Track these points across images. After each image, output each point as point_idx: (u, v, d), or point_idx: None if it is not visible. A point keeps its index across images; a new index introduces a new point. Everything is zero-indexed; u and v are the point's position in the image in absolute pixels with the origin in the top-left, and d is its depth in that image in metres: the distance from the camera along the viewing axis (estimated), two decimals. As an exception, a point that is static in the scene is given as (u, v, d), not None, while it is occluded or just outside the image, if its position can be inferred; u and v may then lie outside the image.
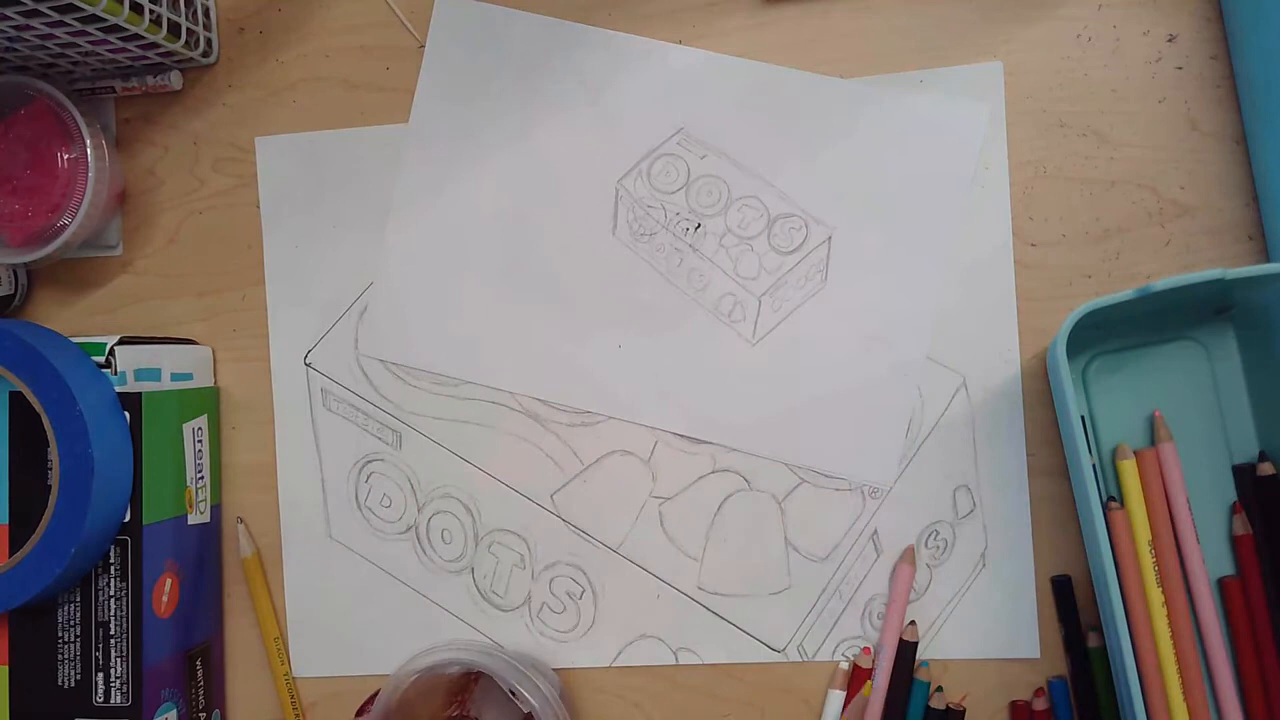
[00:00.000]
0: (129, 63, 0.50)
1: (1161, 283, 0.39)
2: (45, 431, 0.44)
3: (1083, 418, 0.43)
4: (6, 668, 0.47)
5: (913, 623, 0.47)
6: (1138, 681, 0.40)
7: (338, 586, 0.52)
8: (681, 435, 0.49)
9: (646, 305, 0.49)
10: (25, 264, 0.50)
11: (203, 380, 0.51)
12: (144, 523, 0.46)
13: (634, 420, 0.49)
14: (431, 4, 0.51)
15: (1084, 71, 0.48)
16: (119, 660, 0.46)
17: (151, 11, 0.46)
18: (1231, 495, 0.45)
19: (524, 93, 0.50)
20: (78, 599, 0.46)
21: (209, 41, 0.52)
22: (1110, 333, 0.45)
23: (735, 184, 0.49)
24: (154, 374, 0.48)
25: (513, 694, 0.45)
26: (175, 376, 0.50)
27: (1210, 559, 0.45)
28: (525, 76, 0.50)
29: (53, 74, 0.50)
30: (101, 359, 0.47)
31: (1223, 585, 0.45)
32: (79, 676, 0.46)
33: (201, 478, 0.50)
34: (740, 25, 0.49)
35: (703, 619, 0.49)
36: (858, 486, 0.48)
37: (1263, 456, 0.44)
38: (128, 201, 0.53)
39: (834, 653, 0.48)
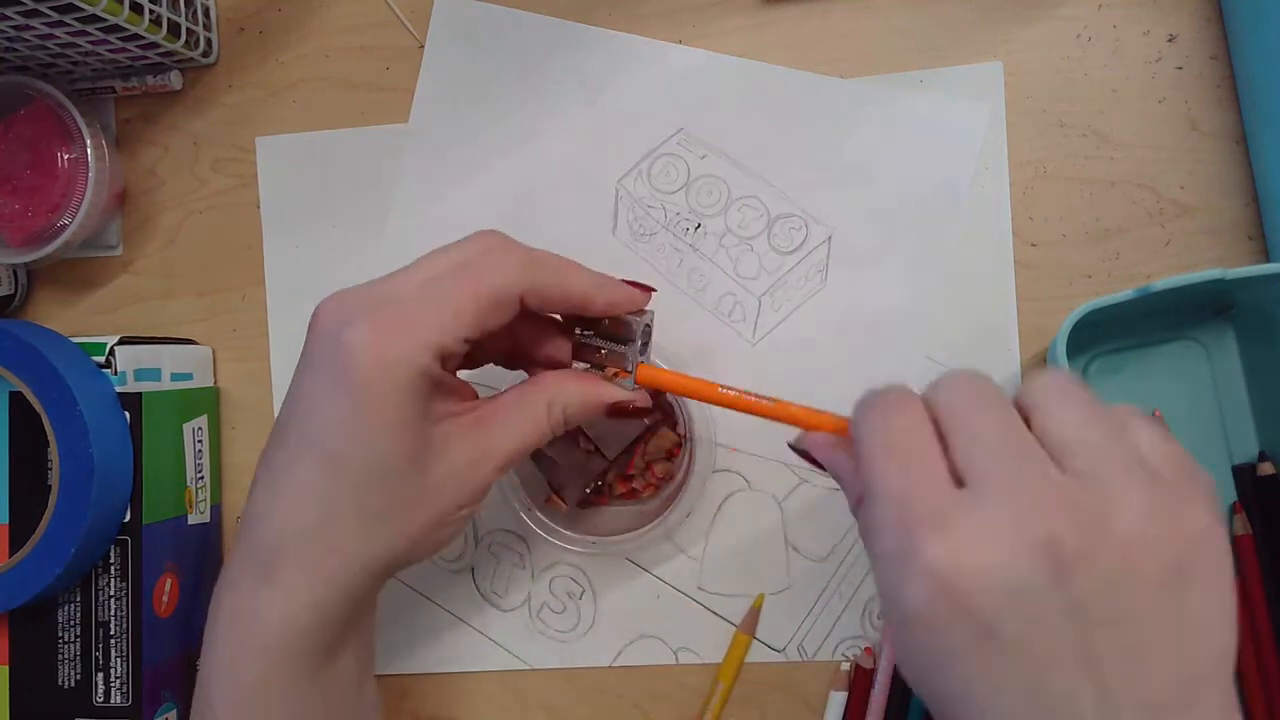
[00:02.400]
0: (129, 63, 0.50)
1: (1161, 283, 0.39)
2: (45, 431, 0.44)
3: (1083, 418, 0.43)
4: (6, 668, 0.47)
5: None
6: (1138, 681, 0.40)
7: (338, 586, 0.52)
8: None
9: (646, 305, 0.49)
10: (25, 264, 0.50)
11: (203, 380, 0.51)
12: (144, 523, 0.46)
13: (634, 420, 0.49)
14: (431, 4, 0.51)
15: (1084, 71, 0.48)
16: (119, 660, 0.46)
17: (151, 11, 0.46)
18: (1231, 495, 0.45)
19: (524, 93, 0.50)
20: (78, 599, 0.46)
21: (209, 41, 0.52)
22: (1110, 333, 0.45)
23: (735, 184, 0.49)
24: (154, 374, 0.48)
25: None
26: (175, 376, 0.50)
27: (1210, 559, 0.45)
28: (525, 76, 0.50)
29: (53, 74, 0.50)
30: (101, 359, 0.46)
31: (1223, 585, 0.45)
32: (79, 676, 0.46)
33: (201, 478, 0.50)
34: (740, 25, 0.49)
35: (703, 619, 0.49)
36: (858, 486, 0.48)
37: (1263, 456, 0.44)
38: (128, 201, 0.53)
39: (834, 653, 0.48)
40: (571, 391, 0.38)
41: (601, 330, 0.39)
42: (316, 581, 0.34)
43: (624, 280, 0.39)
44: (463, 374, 0.39)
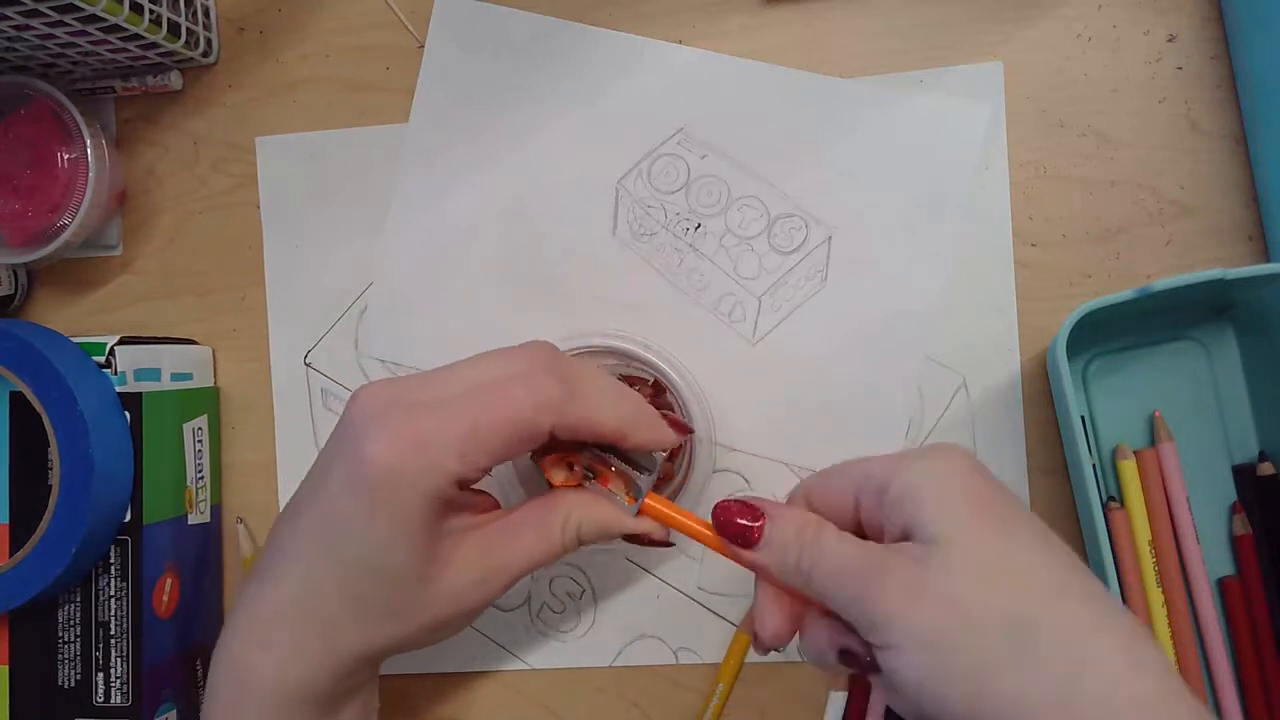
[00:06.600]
0: (129, 63, 0.50)
1: (1161, 283, 0.39)
2: (45, 431, 0.44)
3: (1083, 418, 0.43)
4: (6, 668, 0.47)
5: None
6: (1138, 681, 0.40)
7: (338, 586, 0.52)
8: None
9: (647, 305, 0.49)
10: (25, 264, 0.50)
11: (203, 380, 0.51)
12: (144, 523, 0.46)
13: (634, 420, 0.49)
14: (431, 4, 0.51)
15: (1084, 71, 0.48)
16: (119, 660, 0.46)
17: (151, 11, 0.46)
18: (1231, 495, 0.45)
19: (524, 93, 0.50)
20: (78, 599, 0.46)
21: (209, 41, 0.51)
22: (1110, 333, 0.45)
23: (735, 184, 0.49)
24: (154, 374, 0.48)
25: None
26: (175, 376, 0.50)
27: (1210, 559, 0.45)
28: (525, 76, 0.50)
29: (53, 74, 0.50)
30: (101, 359, 0.47)
31: (1223, 585, 0.45)
32: (79, 676, 0.46)
33: (201, 478, 0.50)
34: (740, 25, 0.49)
35: (703, 619, 0.49)
36: (858, 486, 0.48)
37: (1263, 456, 0.44)
38: (128, 201, 0.53)
39: (834, 653, 0.48)
40: (591, 515, 0.38)
41: (619, 452, 0.39)
42: (308, 661, 0.36)
43: (664, 416, 0.39)
44: None
